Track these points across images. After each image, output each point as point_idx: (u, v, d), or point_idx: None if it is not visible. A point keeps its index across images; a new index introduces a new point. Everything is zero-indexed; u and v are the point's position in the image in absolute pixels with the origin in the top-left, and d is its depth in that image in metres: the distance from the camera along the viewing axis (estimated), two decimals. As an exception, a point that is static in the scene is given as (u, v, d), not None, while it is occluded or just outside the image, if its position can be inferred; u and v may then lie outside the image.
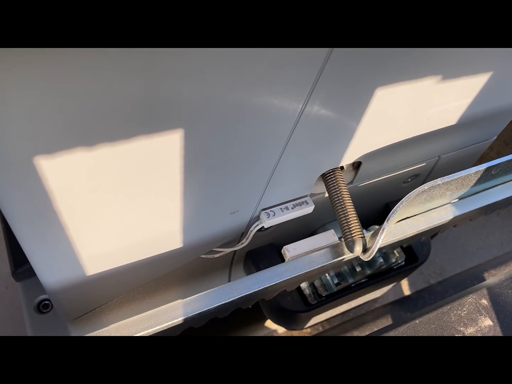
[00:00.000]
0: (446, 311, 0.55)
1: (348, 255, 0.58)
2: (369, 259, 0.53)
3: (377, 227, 0.70)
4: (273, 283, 0.54)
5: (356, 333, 0.78)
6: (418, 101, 0.54)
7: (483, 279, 0.87)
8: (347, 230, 0.55)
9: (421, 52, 0.46)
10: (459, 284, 0.86)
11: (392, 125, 0.56)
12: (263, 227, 0.59)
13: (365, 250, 0.55)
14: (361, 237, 0.55)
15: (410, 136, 0.60)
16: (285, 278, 0.55)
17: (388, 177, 0.69)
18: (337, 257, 0.57)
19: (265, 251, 0.70)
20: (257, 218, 0.60)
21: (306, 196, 0.61)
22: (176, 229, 0.53)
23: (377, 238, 0.52)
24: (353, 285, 0.72)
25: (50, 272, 0.47)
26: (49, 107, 0.32)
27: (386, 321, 0.80)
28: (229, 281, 0.79)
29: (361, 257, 0.55)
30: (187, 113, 0.39)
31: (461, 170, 0.84)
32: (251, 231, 0.60)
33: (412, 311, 0.82)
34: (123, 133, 0.37)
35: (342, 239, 0.58)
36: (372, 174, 0.66)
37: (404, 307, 0.82)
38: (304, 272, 0.55)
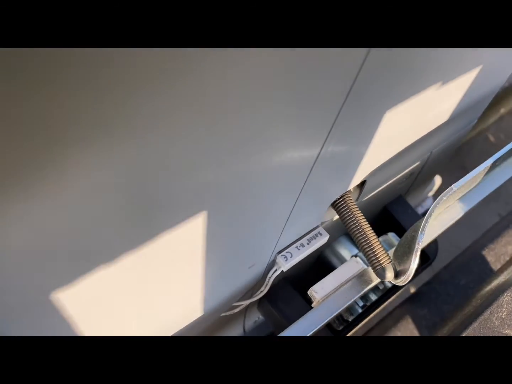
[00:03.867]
0: (488, 316, 0.53)
1: (377, 281, 0.55)
2: (405, 283, 0.51)
3: (391, 237, 0.68)
4: (312, 332, 0.50)
5: (382, 344, 0.76)
6: (419, 109, 0.51)
7: (485, 257, 0.88)
8: (373, 258, 0.52)
9: (425, 59, 0.44)
10: (465, 267, 0.86)
11: (396, 138, 0.53)
12: (282, 271, 0.55)
13: (396, 274, 0.52)
14: (390, 262, 0.52)
15: (411, 143, 0.58)
16: (324, 322, 0.51)
17: (388, 184, 0.67)
18: (367, 286, 0.54)
19: (280, 287, 0.66)
20: (273, 262, 0.56)
21: (318, 227, 0.58)
22: (198, 302, 0.48)
23: (411, 262, 0.49)
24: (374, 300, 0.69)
25: None
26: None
27: (407, 323, 0.79)
28: (244, 323, 0.74)
29: (393, 282, 0.52)
30: (206, 197, 0.34)
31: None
32: (270, 278, 0.56)
33: (429, 306, 0.81)
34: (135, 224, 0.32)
35: (368, 266, 0.55)
36: (374, 187, 0.63)
37: (419, 304, 0.81)
38: (340, 310, 0.52)
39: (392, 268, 0.51)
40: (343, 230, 0.71)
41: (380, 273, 0.52)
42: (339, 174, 0.49)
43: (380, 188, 0.65)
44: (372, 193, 0.64)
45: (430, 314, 0.80)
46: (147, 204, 0.30)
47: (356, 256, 0.69)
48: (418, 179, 0.79)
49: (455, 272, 0.86)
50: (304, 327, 0.50)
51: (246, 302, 0.58)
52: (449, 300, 0.81)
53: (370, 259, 0.52)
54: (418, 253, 0.48)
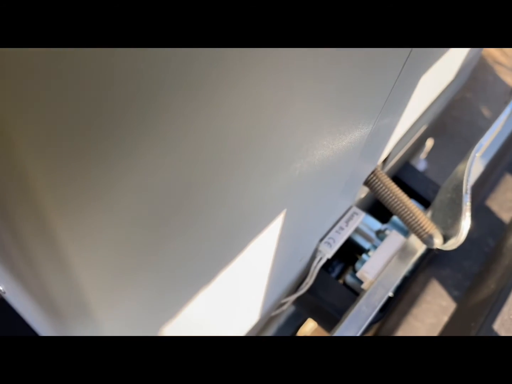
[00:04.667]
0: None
1: (421, 250, 0.54)
2: (456, 246, 0.50)
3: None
4: (374, 313, 0.49)
5: (415, 311, 0.76)
6: (439, 70, 0.51)
7: (489, 208, 0.89)
8: (417, 227, 0.51)
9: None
10: (473, 219, 0.87)
11: (419, 103, 0.52)
12: (327, 258, 0.54)
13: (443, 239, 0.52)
14: (435, 228, 0.51)
15: (428, 105, 0.57)
16: (382, 302, 0.50)
17: (403, 153, 0.66)
18: (413, 257, 0.54)
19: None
20: (315, 251, 0.54)
21: (351, 207, 0.56)
22: (258, 307, 0.46)
23: (461, 223, 0.48)
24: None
25: None
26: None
27: (433, 286, 0.79)
28: (279, 319, 0.72)
29: (442, 248, 0.52)
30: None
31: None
32: (315, 267, 0.55)
33: (450, 265, 0.81)
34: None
35: (411, 235, 0.54)
36: (394, 157, 0.63)
37: (440, 265, 0.82)
38: (395, 285, 0.51)
39: (439, 233, 0.51)
40: (362, 207, 0.70)
41: (428, 240, 0.51)
42: (376, 149, 0.48)
43: (397, 158, 0.65)
44: (391, 164, 0.64)
45: (453, 272, 0.81)
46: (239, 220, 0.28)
47: (383, 230, 0.69)
48: (420, 143, 0.80)
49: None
50: (364, 310, 0.49)
51: (293, 297, 0.56)
52: (468, 255, 0.82)
53: (414, 228, 0.52)
54: (468, 213, 0.48)
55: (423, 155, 1.01)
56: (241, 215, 0.28)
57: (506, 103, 0.63)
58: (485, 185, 0.95)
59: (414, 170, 0.77)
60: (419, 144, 0.86)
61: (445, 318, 0.76)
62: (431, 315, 0.77)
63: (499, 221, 0.87)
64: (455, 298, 0.78)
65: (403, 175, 0.76)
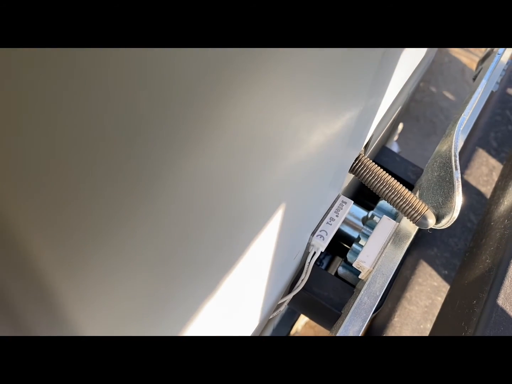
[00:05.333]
0: None
1: (415, 232, 0.53)
2: (450, 224, 0.49)
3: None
4: (377, 302, 0.48)
5: (408, 295, 0.75)
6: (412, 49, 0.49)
7: (468, 182, 0.90)
8: (410, 210, 0.50)
9: None
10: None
11: (395, 82, 0.51)
12: (321, 252, 0.52)
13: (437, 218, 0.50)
14: (428, 208, 0.50)
15: (404, 83, 0.56)
16: (384, 290, 0.48)
17: (381, 136, 0.65)
18: (408, 240, 0.52)
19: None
20: (308, 245, 0.52)
21: (339, 196, 0.54)
22: (257, 312, 0.43)
23: (455, 200, 0.47)
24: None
25: None
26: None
27: (423, 267, 0.78)
28: (274, 320, 0.70)
29: (436, 227, 0.51)
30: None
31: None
32: (309, 263, 0.52)
33: (436, 244, 0.81)
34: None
35: (402, 219, 0.53)
36: (374, 141, 0.61)
37: (427, 245, 0.81)
38: (394, 272, 0.50)
39: (432, 213, 0.50)
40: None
41: (422, 222, 0.50)
42: (362, 133, 0.46)
43: (376, 141, 0.63)
44: (371, 149, 0.62)
45: (440, 252, 0.81)
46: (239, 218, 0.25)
47: (370, 217, 0.67)
48: (394, 127, 0.79)
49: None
50: (366, 301, 0.47)
51: (289, 296, 0.54)
52: (452, 233, 0.82)
53: (407, 211, 0.50)
54: (460, 189, 0.47)
55: (395, 137, 1.01)
56: (240, 214, 0.26)
57: (479, 78, 0.62)
58: (460, 161, 0.96)
59: (392, 153, 0.76)
60: (393, 127, 0.85)
61: (438, 299, 0.76)
62: (424, 297, 0.76)
63: (478, 196, 0.88)
64: (446, 277, 0.78)
65: (382, 159, 0.75)
